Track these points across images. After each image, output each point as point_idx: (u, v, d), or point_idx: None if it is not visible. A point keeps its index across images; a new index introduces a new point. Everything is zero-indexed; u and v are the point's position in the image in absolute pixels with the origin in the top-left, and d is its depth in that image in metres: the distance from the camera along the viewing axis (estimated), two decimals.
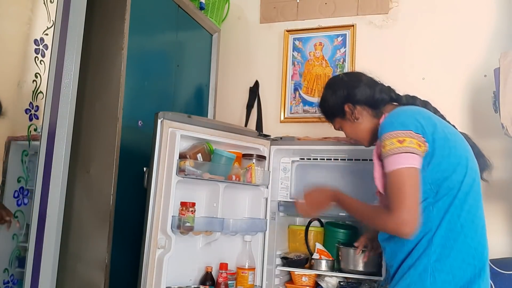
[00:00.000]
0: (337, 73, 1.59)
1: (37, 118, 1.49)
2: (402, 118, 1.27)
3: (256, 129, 2.49)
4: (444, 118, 1.44)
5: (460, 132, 1.40)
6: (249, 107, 2.62)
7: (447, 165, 1.25)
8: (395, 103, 1.48)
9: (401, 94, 1.49)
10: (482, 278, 1.23)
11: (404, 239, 1.24)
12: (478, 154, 1.39)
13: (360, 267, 1.83)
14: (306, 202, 1.55)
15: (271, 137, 2.05)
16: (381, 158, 1.30)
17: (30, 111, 1.48)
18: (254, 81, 2.65)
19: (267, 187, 1.99)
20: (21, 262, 1.46)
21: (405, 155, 1.21)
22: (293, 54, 2.61)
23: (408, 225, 1.18)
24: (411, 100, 1.47)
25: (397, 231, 1.20)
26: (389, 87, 1.50)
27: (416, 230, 1.19)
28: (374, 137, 1.47)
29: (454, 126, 1.41)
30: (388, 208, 1.22)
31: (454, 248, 1.23)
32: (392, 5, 2.47)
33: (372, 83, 1.49)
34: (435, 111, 1.44)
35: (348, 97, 1.46)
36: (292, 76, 2.60)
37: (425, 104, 1.46)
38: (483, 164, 1.41)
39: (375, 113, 1.45)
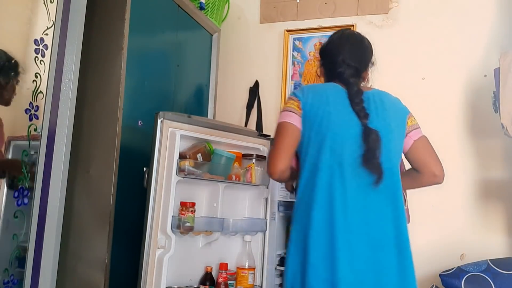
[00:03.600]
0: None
1: (37, 118, 1.49)
2: (301, 88, 1.49)
3: (256, 129, 2.49)
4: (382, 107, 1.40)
5: (373, 129, 1.33)
6: (249, 107, 2.62)
7: (307, 138, 1.38)
8: None
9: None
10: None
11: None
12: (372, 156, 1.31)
13: None
14: None
15: (271, 137, 2.05)
16: None
17: (30, 111, 1.48)
18: (254, 81, 2.65)
19: (267, 187, 1.99)
20: (21, 262, 1.46)
21: (284, 113, 1.42)
22: (293, 54, 2.61)
23: (276, 167, 1.39)
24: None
25: (270, 175, 1.44)
26: None
27: (283, 173, 1.40)
28: None
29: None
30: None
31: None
32: (392, 5, 2.46)
33: None
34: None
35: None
36: (292, 76, 2.60)
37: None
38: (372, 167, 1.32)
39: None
